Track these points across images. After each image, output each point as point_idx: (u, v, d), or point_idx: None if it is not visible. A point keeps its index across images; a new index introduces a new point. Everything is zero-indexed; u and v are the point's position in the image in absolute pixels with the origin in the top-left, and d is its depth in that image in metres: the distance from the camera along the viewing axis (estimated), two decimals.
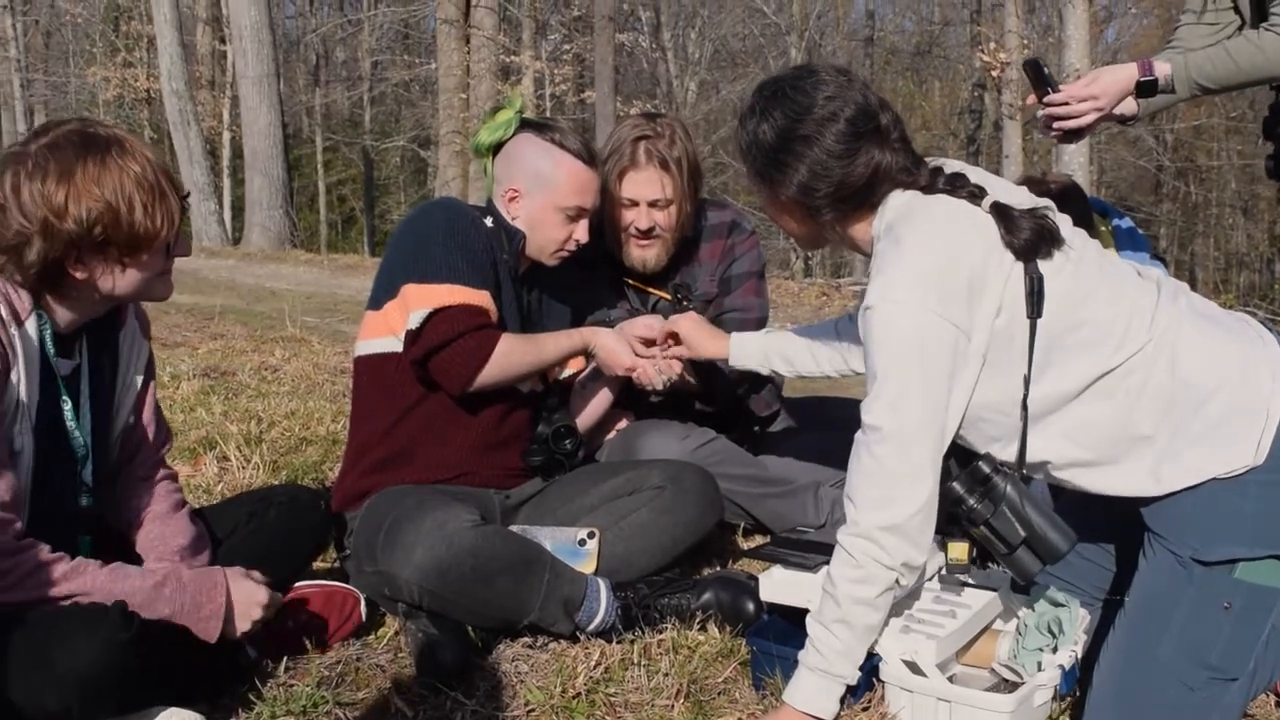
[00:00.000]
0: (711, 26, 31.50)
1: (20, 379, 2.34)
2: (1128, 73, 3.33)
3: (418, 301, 3.08)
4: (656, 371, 3.31)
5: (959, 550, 2.53)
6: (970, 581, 2.69)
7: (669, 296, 3.75)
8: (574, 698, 2.65)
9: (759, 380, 3.75)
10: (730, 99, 29.51)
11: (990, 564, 2.67)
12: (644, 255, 3.64)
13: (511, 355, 3.13)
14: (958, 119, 33.41)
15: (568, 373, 3.45)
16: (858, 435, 2.35)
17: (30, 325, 2.38)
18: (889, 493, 2.30)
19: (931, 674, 2.45)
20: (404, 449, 3.20)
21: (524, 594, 2.85)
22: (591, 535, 3.08)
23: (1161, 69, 3.30)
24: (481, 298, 3.11)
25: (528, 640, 2.94)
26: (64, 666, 2.10)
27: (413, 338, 3.09)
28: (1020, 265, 2.33)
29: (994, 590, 2.68)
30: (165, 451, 2.83)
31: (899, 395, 2.29)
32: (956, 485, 2.41)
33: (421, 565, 2.78)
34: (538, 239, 3.28)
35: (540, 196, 3.25)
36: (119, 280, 2.42)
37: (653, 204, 3.57)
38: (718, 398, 3.78)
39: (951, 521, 2.46)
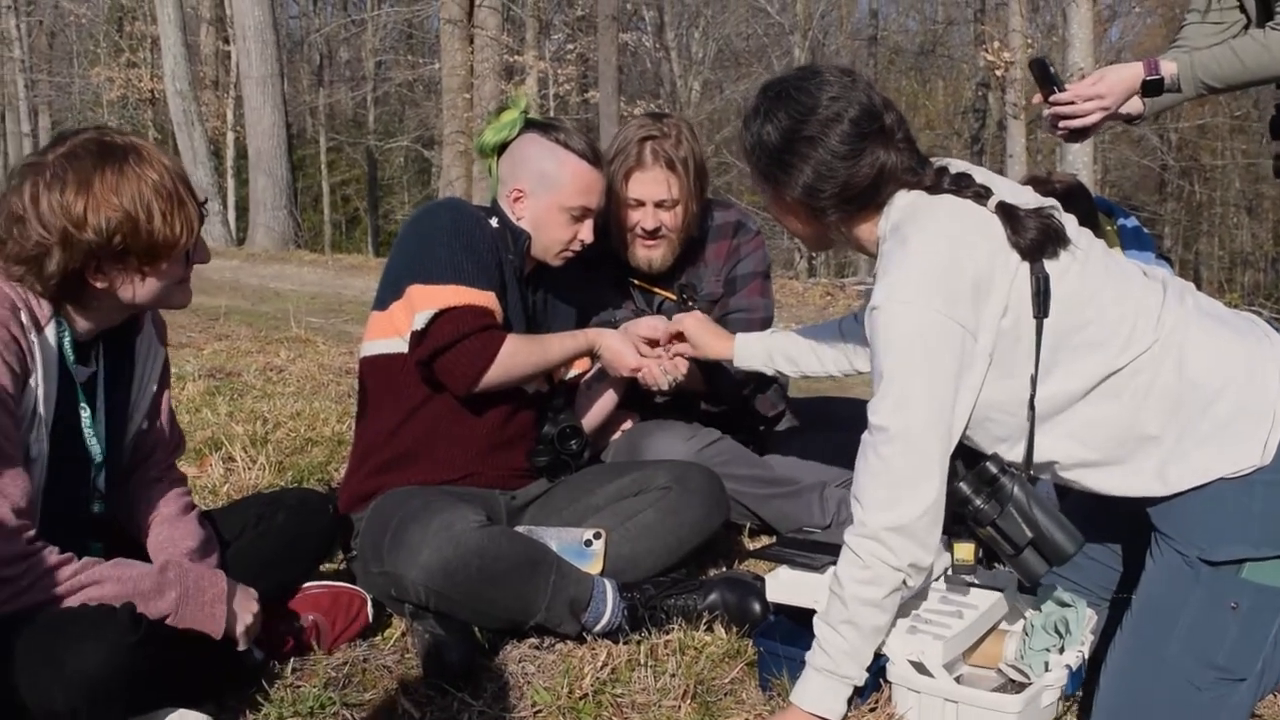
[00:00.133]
0: (715, 26, 31.48)
1: (38, 385, 2.34)
2: (1133, 72, 3.32)
3: (423, 302, 3.08)
4: (662, 372, 3.31)
5: (965, 551, 2.53)
6: (976, 582, 2.69)
7: (674, 297, 3.74)
8: (580, 698, 2.65)
9: (764, 380, 3.75)
10: (734, 99, 29.50)
11: (996, 564, 2.67)
12: (650, 255, 3.64)
13: (516, 356, 3.13)
14: (961, 118, 33.40)
15: (573, 373, 3.45)
16: (864, 436, 2.35)
17: (50, 332, 2.38)
18: (896, 493, 2.30)
19: (938, 674, 2.45)
20: (410, 450, 3.20)
21: (530, 595, 2.85)
22: (598, 536, 3.08)
23: (1167, 68, 3.29)
24: (487, 298, 3.11)
25: (534, 641, 2.94)
26: (72, 668, 2.10)
27: (418, 338, 3.09)
28: (1026, 265, 2.33)
29: (1000, 590, 2.68)
30: (177, 457, 2.83)
31: (906, 395, 2.29)
32: (963, 486, 2.41)
33: (428, 566, 2.78)
34: (543, 239, 3.28)
35: (545, 197, 3.24)
36: (139, 289, 2.42)
37: (659, 204, 3.57)
38: (723, 398, 3.78)
39: (958, 522, 2.45)
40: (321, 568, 3.17)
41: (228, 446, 4.64)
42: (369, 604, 2.98)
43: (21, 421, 2.31)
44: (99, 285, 2.38)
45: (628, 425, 3.73)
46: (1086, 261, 2.39)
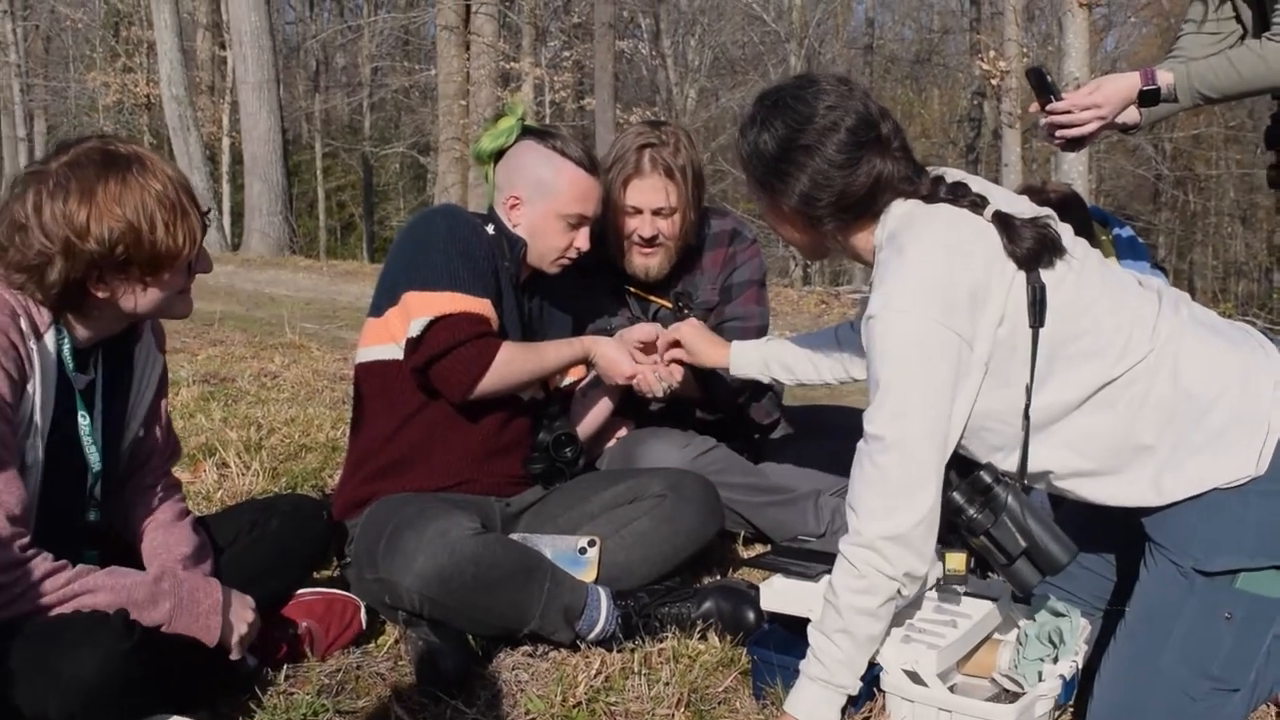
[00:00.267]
0: (711, 34, 31.53)
1: (36, 393, 2.33)
2: (1130, 81, 3.33)
3: (419, 309, 3.08)
4: (657, 379, 3.31)
5: (956, 561, 2.52)
6: (967, 591, 2.68)
7: (670, 304, 3.75)
8: (574, 706, 2.65)
9: (759, 388, 3.75)
10: (730, 106, 29.55)
11: (990, 574, 2.67)
12: (647, 263, 3.64)
13: (512, 364, 3.12)
14: (957, 127, 33.46)
15: (568, 380, 3.45)
16: (860, 444, 2.35)
17: (49, 339, 2.37)
18: (892, 502, 2.30)
19: (932, 684, 2.45)
20: (405, 456, 3.20)
21: (524, 602, 2.84)
22: (592, 544, 3.07)
23: (1164, 78, 3.30)
24: (482, 305, 3.11)
25: (528, 649, 2.94)
26: (67, 675, 2.10)
27: (413, 345, 3.09)
28: (1022, 274, 2.33)
29: (994, 600, 2.68)
30: (173, 464, 2.82)
31: (902, 404, 2.29)
32: (957, 495, 2.41)
33: (423, 573, 2.77)
34: (539, 246, 3.28)
35: (541, 204, 3.24)
36: (140, 299, 2.41)
37: (656, 212, 3.57)
38: (718, 406, 3.78)
39: (951, 531, 2.45)
40: (315, 574, 3.18)
41: (222, 452, 4.63)
42: (363, 611, 2.97)
43: (18, 428, 2.31)
44: (100, 295, 2.37)
45: (623, 433, 3.73)
46: (1082, 271, 2.39)
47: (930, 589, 2.65)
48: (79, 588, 2.29)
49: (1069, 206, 3.95)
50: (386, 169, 37.61)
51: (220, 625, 2.46)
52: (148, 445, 2.72)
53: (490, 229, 3.26)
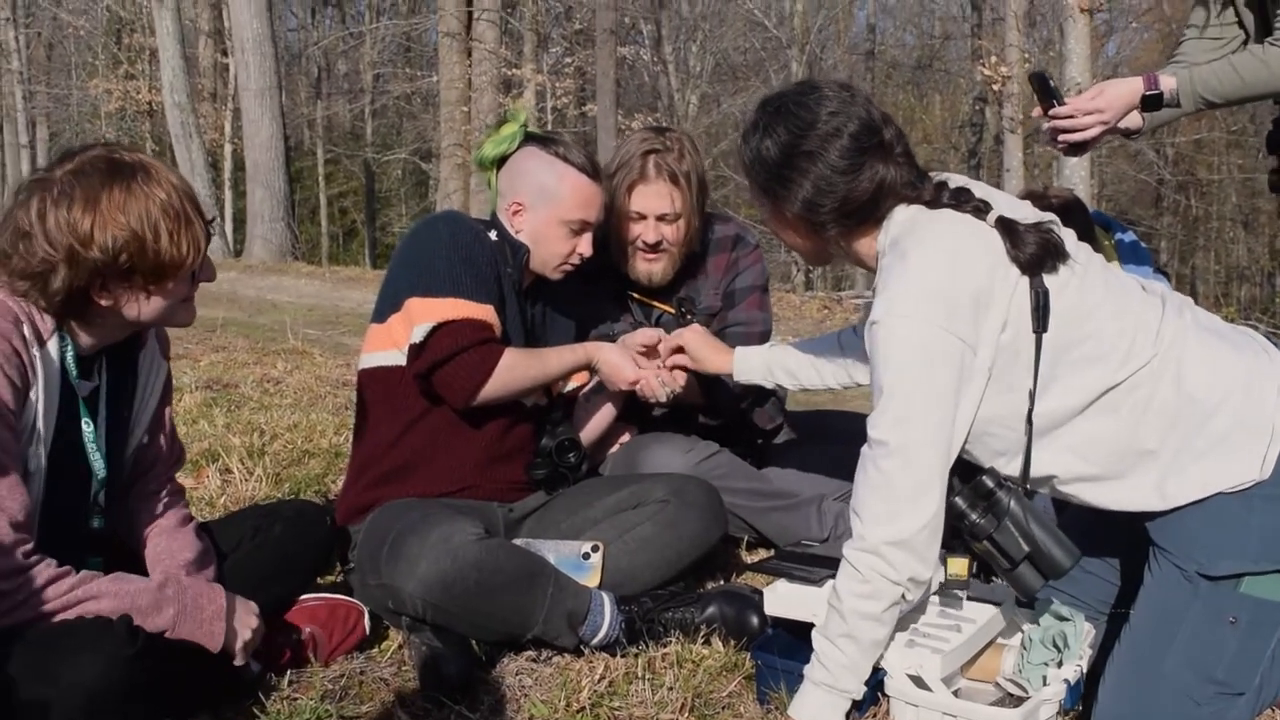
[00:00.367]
0: (713, 40, 31.53)
1: (39, 399, 2.33)
2: (1133, 86, 3.33)
3: (422, 315, 3.08)
4: (660, 384, 3.31)
5: (958, 566, 2.52)
6: (971, 596, 2.68)
7: (672, 310, 3.75)
8: (578, 711, 2.65)
9: (762, 393, 3.74)
10: (731, 112, 29.57)
11: (993, 579, 2.66)
12: (650, 269, 3.64)
13: (515, 370, 3.13)
14: (959, 133, 33.48)
15: (571, 386, 3.45)
16: (864, 450, 2.35)
17: (52, 346, 2.37)
18: (895, 507, 2.30)
19: (936, 688, 2.45)
20: (408, 462, 3.20)
21: (528, 608, 2.84)
22: (595, 549, 3.07)
23: (1167, 83, 3.30)
24: (485, 312, 3.11)
25: (532, 654, 2.93)
26: (69, 681, 2.09)
27: (416, 352, 3.09)
28: (1025, 280, 2.33)
29: (998, 605, 2.67)
30: (177, 470, 2.82)
31: (905, 410, 2.29)
32: (960, 500, 2.41)
33: (426, 579, 2.77)
34: (541, 253, 3.28)
35: (544, 210, 3.25)
36: (144, 307, 2.41)
37: (661, 218, 3.57)
38: (721, 411, 3.78)
39: (954, 536, 2.45)
40: (319, 580, 3.17)
41: (225, 458, 4.63)
42: (366, 616, 2.97)
43: (21, 435, 2.31)
44: (104, 303, 2.37)
45: (626, 438, 3.72)
46: (1085, 276, 2.39)
47: (935, 593, 2.65)
48: (82, 594, 2.29)
49: (1071, 212, 3.95)
50: (388, 175, 37.66)
51: (224, 631, 2.46)
52: (152, 452, 2.72)
53: (493, 235, 3.26)
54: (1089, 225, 4.14)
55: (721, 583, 3.45)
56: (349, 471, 3.39)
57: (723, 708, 2.70)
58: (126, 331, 2.51)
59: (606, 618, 2.91)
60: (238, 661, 2.52)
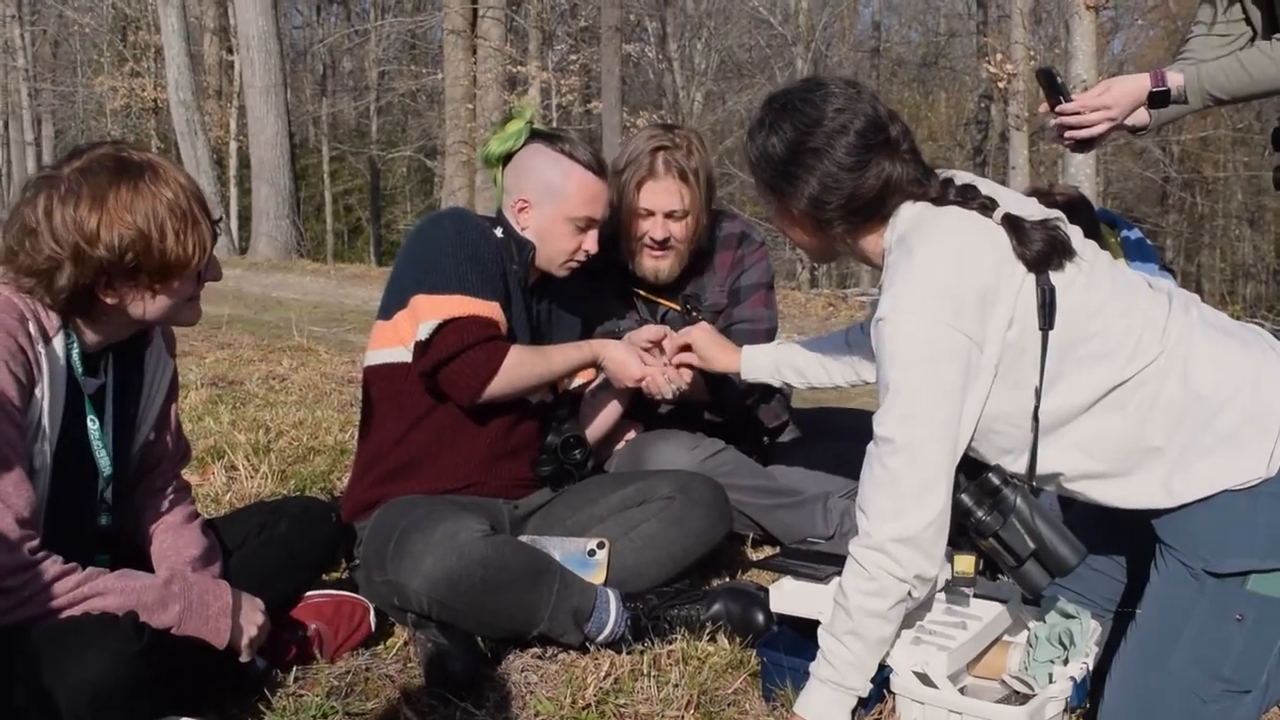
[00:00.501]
0: (718, 37, 31.48)
1: (44, 396, 2.33)
2: (1140, 83, 3.32)
3: (427, 313, 3.08)
4: (666, 381, 3.30)
5: (965, 563, 2.52)
6: (977, 593, 2.68)
7: (678, 307, 3.75)
8: (584, 708, 2.65)
9: (768, 391, 3.74)
10: (737, 110, 29.53)
11: (999, 576, 2.66)
12: (657, 266, 3.64)
13: (521, 367, 3.12)
14: (964, 130, 33.45)
15: (577, 383, 3.45)
16: (870, 447, 2.35)
17: (58, 343, 2.37)
18: (901, 504, 2.29)
19: (943, 686, 2.44)
20: (413, 459, 3.20)
21: (533, 605, 2.84)
22: (601, 546, 3.07)
23: (1174, 79, 3.29)
24: (491, 309, 3.11)
25: (537, 651, 2.94)
26: (75, 678, 2.09)
27: (422, 349, 3.09)
28: (1032, 277, 2.32)
29: (1004, 602, 2.67)
30: (183, 467, 2.82)
31: (912, 407, 2.28)
32: (965, 497, 2.40)
33: (431, 575, 2.77)
34: (547, 250, 3.28)
35: (550, 207, 3.24)
36: (149, 306, 2.41)
37: (669, 214, 3.57)
38: (727, 408, 3.78)
39: (960, 533, 2.45)
40: (324, 576, 3.18)
41: (230, 455, 4.64)
42: (371, 613, 2.97)
43: (26, 432, 2.31)
44: (109, 301, 2.37)
45: (631, 435, 3.72)
46: (1092, 273, 2.38)
47: (940, 591, 2.65)
48: (89, 590, 2.29)
49: (1076, 209, 3.94)
50: (393, 173, 37.69)
51: (230, 628, 2.46)
52: (158, 449, 2.72)
53: (498, 232, 3.26)
54: (1094, 222, 4.14)
55: (727, 580, 3.45)
56: (354, 468, 3.39)
57: (728, 705, 2.70)
58: (132, 329, 2.51)
59: (612, 614, 2.91)
60: (243, 658, 2.52)
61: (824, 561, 2.75)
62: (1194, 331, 2.38)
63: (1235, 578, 2.28)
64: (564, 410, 3.40)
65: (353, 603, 2.96)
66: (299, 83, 34.10)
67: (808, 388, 3.24)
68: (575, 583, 2.92)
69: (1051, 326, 2.31)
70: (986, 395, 2.33)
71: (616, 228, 3.59)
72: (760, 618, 2.95)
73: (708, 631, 2.97)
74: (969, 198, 2.42)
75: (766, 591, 2.84)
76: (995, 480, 2.40)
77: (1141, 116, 3.41)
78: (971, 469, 2.42)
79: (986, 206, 2.40)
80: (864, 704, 2.47)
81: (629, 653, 2.89)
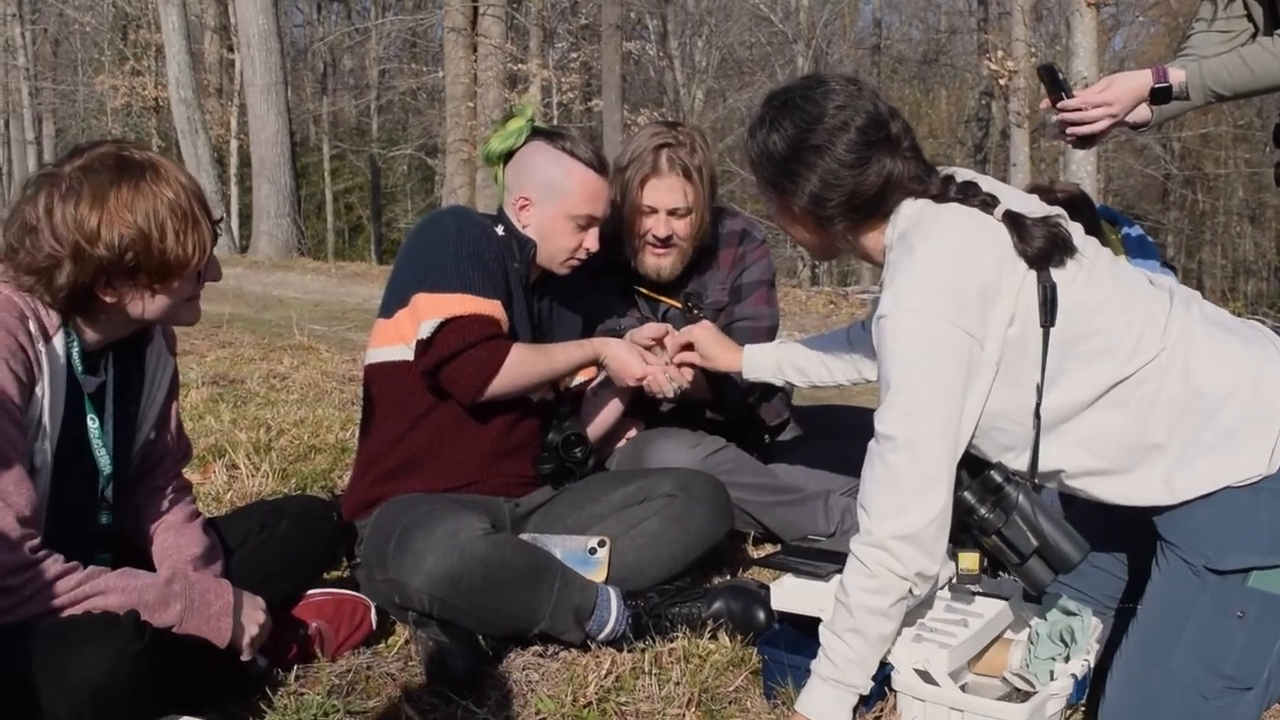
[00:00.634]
0: (718, 35, 31.50)
1: (44, 395, 2.33)
2: (1142, 79, 3.32)
3: (429, 311, 3.08)
4: (667, 379, 3.30)
5: (970, 560, 2.52)
6: (981, 591, 2.68)
7: (679, 305, 3.75)
8: (585, 706, 2.65)
9: (769, 389, 3.74)
10: (737, 107, 29.55)
11: (1001, 573, 2.66)
12: (659, 264, 3.64)
13: (522, 366, 3.12)
14: (965, 127, 33.43)
15: (578, 381, 3.45)
16: (871, 444, 2.35)
17: (58, 342, 2.37)
18: (903, 502, 2.29)
19: (944, 683, 2.44)
20: (414, 457, 3.20)
21: (534, 603, 2.84)
22: (602, 544, 3.07)
23: (1176, 75, 3.28)
24: (493, 307, 3.11)
25: (538, 649, 2.94)
26: (76, 676, 2.09)
27: (424, 347, 3.09)
28: (1033, 274, 2.32)
29: (1006, 599, 2.67)
30: (184, 466, 2.82)
31: (913, 404, 2.28)
32: (968, 495, 2.40)
33: (432, 574, 2.77)
34: (548, 247, 3.28)
35: (551, 205, 3.24)
36: (148, 305, 2.41)
37: (672, 212, 3.57)
38: (728, 406, 3.78)
39: (963, 531, 2.44)
40: (325, 575, 3.17)
41: (231, 454, 4.64)
42: (373, 611, 2.97)
43: (27, 430, 2.31)
44: (108, 300, 2.37)
45: (633, 433, 3.72)
46: (1093, 270, 2.38)
47: (942, 588, 2.65)
48: (90, 589, 2.29)
49: (1077, 206, 3.93)
50: (394, 171, 37.70)
51: (231, 626, 2.46)
52: (159, 448, 2.72)
53: (500, 230, 3.26)
54: (1095, 220, 4.13)
55: (728, 578, 3.45)
56: (355, 467, 3.39)
57: (729, 703, 2.70)
58: (131, 328, 2.51)
59: (613, 613, 2.90)
60: (245, 657, 2.52)
61: (825, 559, 2.74)
62: (1195, 328, 2.37)
63: (1237, 574, 2.28)
64: (565, 408, 3.40)
65: (354, 601, 2.96)
66: (300, 81, 34.11)
67: (810, 386, 3.23)
68: (576, 581, 2.92)
69: (1053, 323, 2.31)
70: (988, 392, 2.33)
71: (618, 225, 3.59)
72: (761, 615, 2.95)
73: (709, 629, 2.97)
74: (970, 195, 2.42)
75: (768, 589, 2.84)
76: (997, 478, 2.40)
77: (1143, 113, 3.41)
78: (973, 466, 2.42)
79: (987, 203, 2.40)
80: (865, 701, 2.47)
81: (630, 651, 2.89)
